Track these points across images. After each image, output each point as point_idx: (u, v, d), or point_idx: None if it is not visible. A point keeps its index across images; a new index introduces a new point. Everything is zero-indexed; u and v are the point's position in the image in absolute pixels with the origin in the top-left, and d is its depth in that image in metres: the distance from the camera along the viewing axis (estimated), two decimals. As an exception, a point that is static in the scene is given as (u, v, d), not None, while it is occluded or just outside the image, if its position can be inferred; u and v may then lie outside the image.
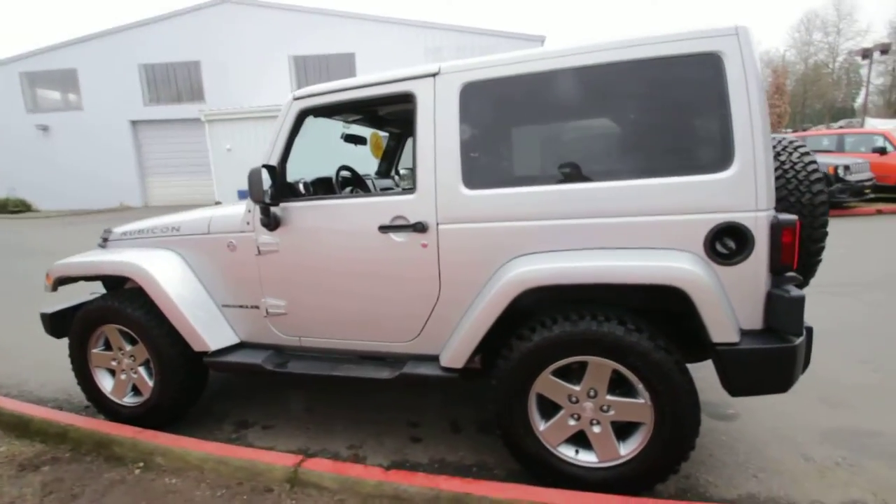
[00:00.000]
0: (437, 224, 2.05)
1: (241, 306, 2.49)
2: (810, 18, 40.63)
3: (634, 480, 1.89)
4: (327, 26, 18.71)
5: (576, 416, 1.93)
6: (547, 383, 1.93)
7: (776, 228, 1.72)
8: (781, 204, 2.08)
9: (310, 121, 2.37)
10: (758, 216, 1.71)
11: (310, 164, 2.76)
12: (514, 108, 2.03)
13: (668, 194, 1.78)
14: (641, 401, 1.84)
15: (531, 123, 2.11)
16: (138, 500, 2.06)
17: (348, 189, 3.06)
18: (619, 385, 1.88)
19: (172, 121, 19.60)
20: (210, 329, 2.45)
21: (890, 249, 6.52)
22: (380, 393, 2.98)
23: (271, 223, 2.28)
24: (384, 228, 2.13)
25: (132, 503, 2.05)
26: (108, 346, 2.66)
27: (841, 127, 22.36)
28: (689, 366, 1.87)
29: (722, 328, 1.72)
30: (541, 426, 1.97)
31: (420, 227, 2.06)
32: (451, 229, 2.04)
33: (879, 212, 9.29)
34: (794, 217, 1.75)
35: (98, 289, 2.97)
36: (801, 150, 2.17)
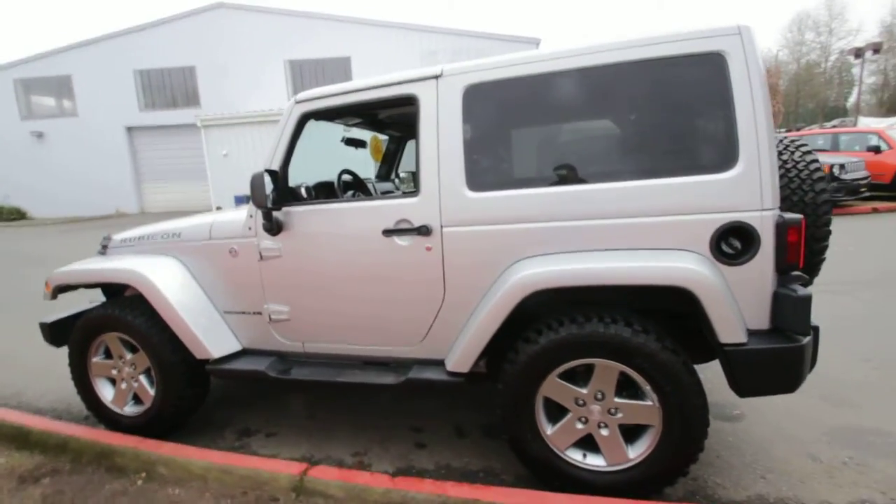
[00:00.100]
0: (442, 227, 2.04)
1: (243, 312, 2.47)
2: (802, 19, 41.03)
3: (643, 483, 1.88)
4: (322, 30, 18.73)
5: (583, 419, 1.92)
6: (554, 386, 1.91)
7: (782, 227, 1.72)
8: (785, 203, 2.08)
9: (309, 125, 2.36)
10: (763, 215, 1.71)
11: (309, 169, 2.75)
12: (518, 109, 2.02)
13: (673, 195, 1.78)
14: (649, 403, 1.82)
15: (535, 125, 2.10)
16: (141, 510, 2.04)
17: (350, 193, 3.05)
18: (626, 387, 1.87)
19: (168, 126, 19.53)
20: (212, 336, 2.42)
21: (886, 248, 6.55)
22: (382, 398, 2.96)
23: (274, 228, 2.27)
24: (388, 232, 2.11)
25: (135, 514, 2.02)
26: (108, 355, 2.63)
27: (834, 126, 22.52)
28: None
29: (730, 329, 1.71)
30: (548, 430, 1.96)
31: (424, 231, 2.05)
32: (455, 232, 2.03)
33: (875, 210, 9.34)
34: (799, 216, 1.75)
35: (98, 297, 2.95)
36: (803, 148, 2.17)
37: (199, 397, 2.63)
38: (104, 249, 2.85)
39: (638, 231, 1.82)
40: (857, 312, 4.04)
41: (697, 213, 1.76)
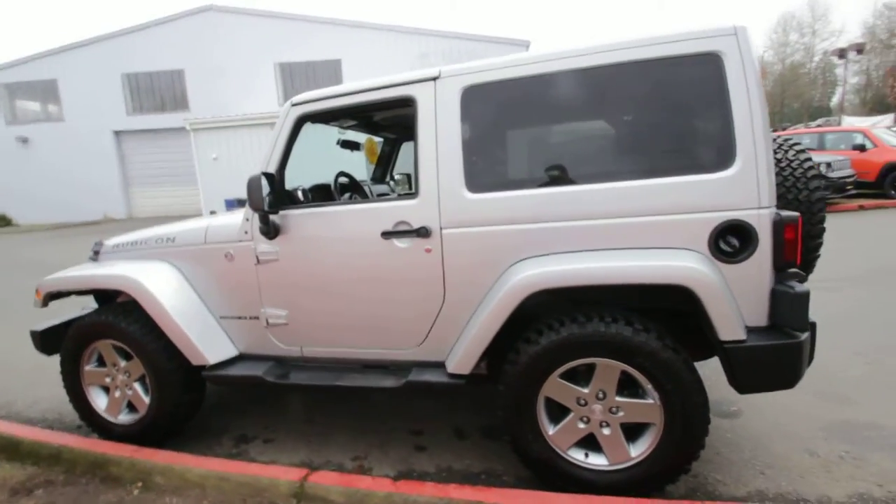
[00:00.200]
0: (441, 228, 2.03)
1: (239, 317, 2.44)
2: (787, 20, 41.78)
3: (645, 482, 1.88)
4: (312, 33, 18.66)
5: (585, 418, 1.92)
6: (555, 386, 1.91)
7: (779, 225, 1.74)
8: (780, 201, 2.10)
9: (305, 127, 2.34)
10: (761, 213, 1.73)
11: (304, 171, 2.73)
12: (516, 110, 2.03)
13: (672, 194, 1.79)
14: (651, 401, 1.83)
15: (533, 126, 2.11)
16: (138, 520, 2.00)
17: (347, 195, 3.03)
18: (627, 386, 1.88)
19: (157, 130, 19.33)
20: (208, 342, 2.39)
21: (873, 244, 6.66)
22: (380, 401, 2.94)
23: (271, 231, 2.24)
24: (387, 234, 2.10)
25: (132, 524, 1.99)
26: (101, 363, 2.59)
27: (819, 125, 22.89)
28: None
29: (729, 326, 1.72)
30: (550, 430, 1.96)
31: (423, 232, 2.04)
32: (454, 233, 2.02)
33: (861, 207, 9.50)
34: (795, 214, 1.77)
35: (90, 304, 2.89)
36: (797, 147, 2.20)
37: (195, 404, 2.59)
38: (96, 255, 2.80)
39: (637, 230, 1.83)
40: (846, 308, 4.10)
41: (696, 212, 1.78)
